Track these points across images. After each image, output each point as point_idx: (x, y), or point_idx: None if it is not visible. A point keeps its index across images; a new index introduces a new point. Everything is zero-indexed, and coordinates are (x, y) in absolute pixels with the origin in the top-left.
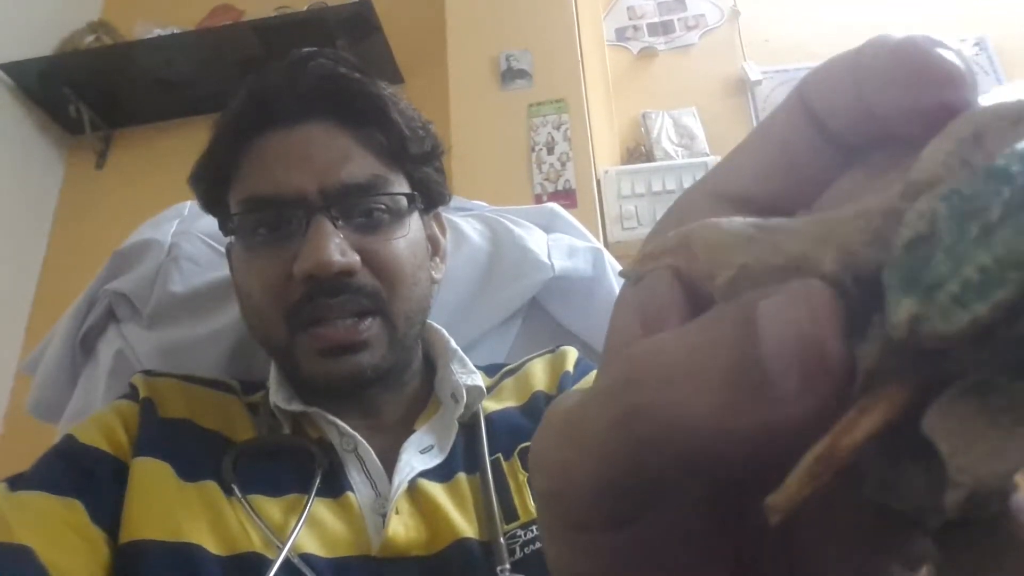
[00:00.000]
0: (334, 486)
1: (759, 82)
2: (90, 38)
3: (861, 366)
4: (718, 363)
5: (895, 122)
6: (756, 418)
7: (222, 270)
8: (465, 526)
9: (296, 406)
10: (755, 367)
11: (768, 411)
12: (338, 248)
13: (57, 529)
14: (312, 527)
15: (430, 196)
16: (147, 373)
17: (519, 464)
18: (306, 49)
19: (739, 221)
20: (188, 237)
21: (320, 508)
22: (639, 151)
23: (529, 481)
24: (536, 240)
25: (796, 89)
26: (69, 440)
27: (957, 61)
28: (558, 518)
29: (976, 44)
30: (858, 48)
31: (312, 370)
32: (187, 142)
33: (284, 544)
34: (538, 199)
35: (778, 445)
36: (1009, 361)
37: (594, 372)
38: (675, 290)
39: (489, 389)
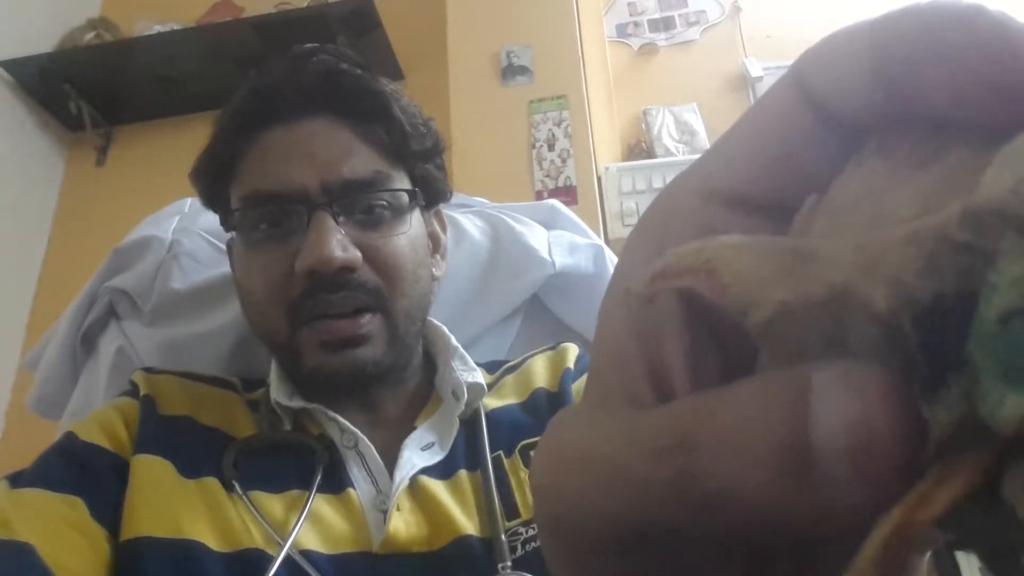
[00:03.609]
0: (335, 482)
1: (760, 78)
2: (90, 35)
3: (933, 433)
4: (767, 439)
5: (934, 107)
6: (804, 501)
7: (223, 267)
8: (466, 523)
9: (297, 402)
10: (804, 449)
11: (818, 496)
12: (340, 244)
13: (58, 526)
14: (313, 523)
15: (431, 193)
16: (148, 370)
17: (520, 461)
18: (308, 45)
19: (767, 243)
20: (189, 234)
21: (321, 504)
22: (640, 147)
23: (530, 478)
24: (537, 237)
25: (790, 73)
26: (70, 437)
27: None
28: (564, 542)
29: None
30: (876, 20)
31: (313, 363)
32: (188, 139)
33: (285, 540)
34: (539, 196)
35: (829, 526)
36: None
37: None
38: (671, 305)
39: (490, 386)
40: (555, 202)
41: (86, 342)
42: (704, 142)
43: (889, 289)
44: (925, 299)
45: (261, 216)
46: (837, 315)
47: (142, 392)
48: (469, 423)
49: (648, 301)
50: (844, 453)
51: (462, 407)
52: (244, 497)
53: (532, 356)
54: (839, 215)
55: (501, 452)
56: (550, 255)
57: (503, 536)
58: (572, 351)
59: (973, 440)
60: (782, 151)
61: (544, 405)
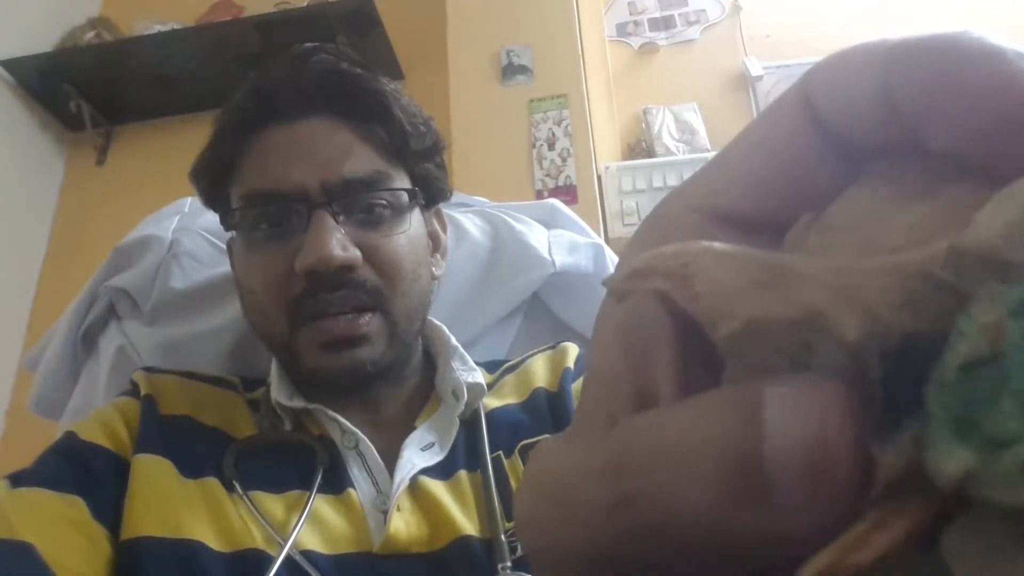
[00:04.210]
0: (335, 483)
1: (760, 77)
2: (90, 34)
3: (880, 474)
4: (715, 457)
5: (944, 144)
6: (754, 523)
7: (223, 266)
8: (466, 523)
9: (298, 402)
10: (755, 468)
11: (767, 518)
12: (339, 243)
13: (58, 526)
14: (314, 524)
15: (431, 192)
16: (148, 370)
17: (520, 461)
18: (308, 44)
19: (748, 254)
20: (189, 233)
21: (322, 505)
22: (640, 147)
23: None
24: (537, 236)
25: (797, 90)
26: (70, 437)
27: None
28: (542, 570)
29: None
30: (892, 48)
31: (313, 364)
32: (188, 138)
33: (286, 541)
34: (539, 195)
35: (780, 550)
36: None
37: None
38: (663, 321)
39: (490, 386)
40: (555, 201)
41: (86, 341)
42: (704, 141)
43: (862, 319)
44: (897, 335)
45: (261, 215)
46: (805, 338)
47: (142, 392)
48: (469, 423)
49: (622, 298)
50: (800, 470)
51: (462, 407)
52: (245, 497)
53: (532, 356)
54: (833, 235)
55: (501, 452)
56: (550, 254)
57: (503, 536)
58: (572, 350)
59: (918, 487)
60: (786, 171)
61: (544, 405)
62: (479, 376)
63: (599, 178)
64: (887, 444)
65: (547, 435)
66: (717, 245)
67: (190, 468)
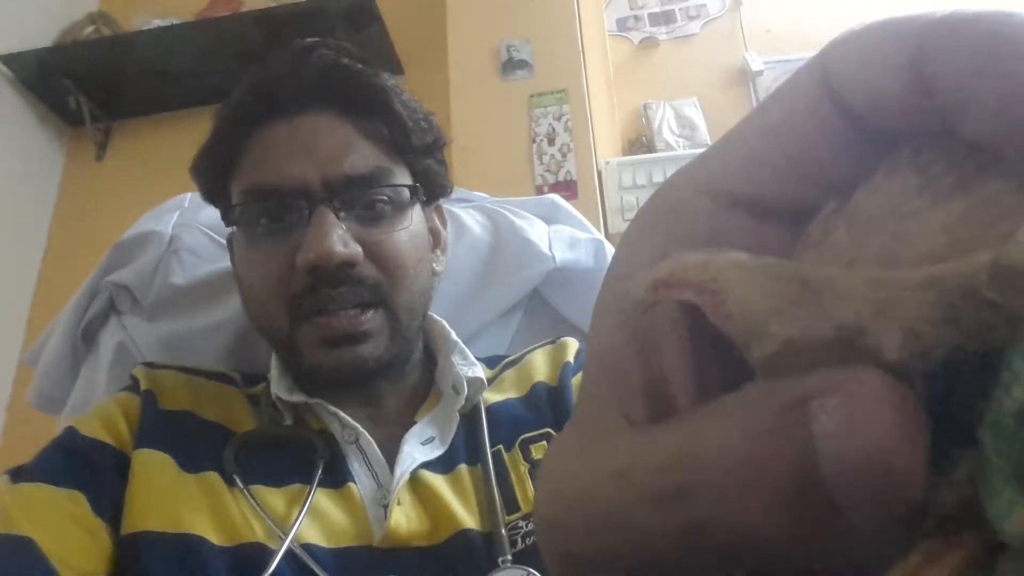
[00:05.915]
0: (336, 477)
1: (761, 72)
2: (89, 29)
3: (933, 508)
4: (773, 480)
5: (977, 132)
6: (819, 539)
7: (223, 262)
8: (467, 517)
9: (298, 397)
10: (814, 488)
11: (832, 534)
12: (340, 239)
13: (59, 520)
14: (314, 517)
15: (432, 188)
16: (148, 365)
17: (520, 455)
18: (309, 39)
19: (776, 268)
20: (189, 229)
21: (322, 499)
22: (640, 142)
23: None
24: (537, 231)
25: (814, 67)
26: (70, 432)
27: None
28: (568, 571)
29: None
30: (928, 23)
31: (314, 360)
32: (187, 133)
33: (286, 534)
34: (539, 190)
35: (843, 557)
36: None
37: None
38: (673, 311)
39: (490, 381)
40: (555, 197)
41: (87, 337)
42: (705, 136)
43: (903, 337)
44: (941, 353)
45: (262, 211)
46: (844, 356)
47: (143, 387)
48: (469, 418)
49: (648, 309)
50: (861, 488)
51: (462, 401)
52: (245, 491)
53: (532, 350)
54: (860, 228)
55: (501, 446)
56: (550, 250)
57: (503, 530)
58: (572, 345)
59: (972, 522)
60: (803, 154)
61: (544, 399)
62: (479, 371)
63: (599, 173)
64: (941, 477)
65: (547, 429)
66: (743, 257)
67: (190, 463)
